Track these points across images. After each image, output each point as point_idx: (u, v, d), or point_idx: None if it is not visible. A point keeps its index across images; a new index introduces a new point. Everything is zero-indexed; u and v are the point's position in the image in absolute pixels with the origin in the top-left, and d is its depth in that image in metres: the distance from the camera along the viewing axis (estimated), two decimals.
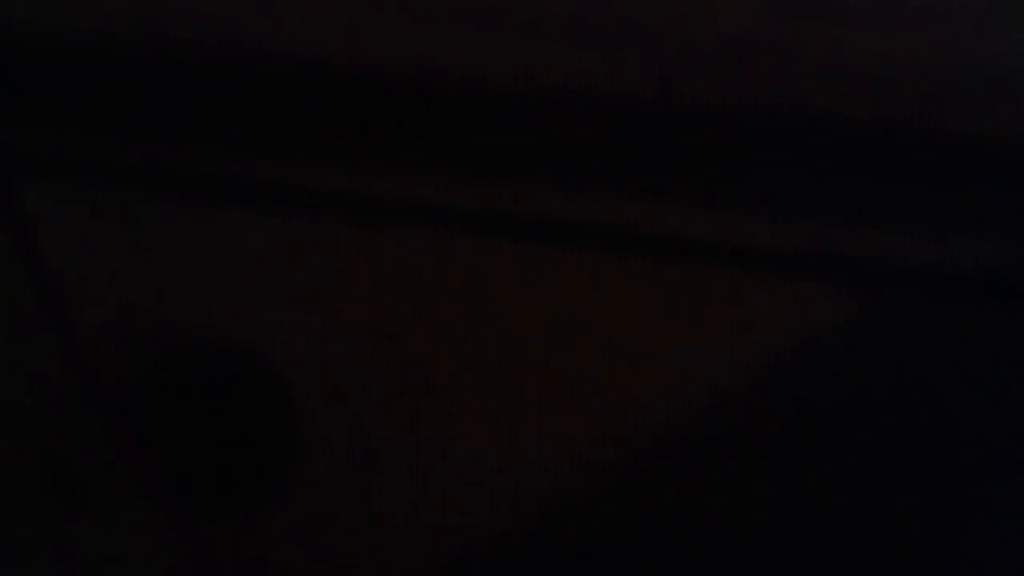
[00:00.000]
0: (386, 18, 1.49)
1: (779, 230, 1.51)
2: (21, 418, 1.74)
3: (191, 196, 1.65)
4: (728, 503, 1.59)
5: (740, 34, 1.42)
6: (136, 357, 1.69)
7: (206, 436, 1.70)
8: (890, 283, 1.51)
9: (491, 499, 1.64)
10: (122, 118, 1.63)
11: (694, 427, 1.57)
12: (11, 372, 1.72)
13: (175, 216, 1.66)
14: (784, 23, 1.42)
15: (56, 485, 1.73)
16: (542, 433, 1.62)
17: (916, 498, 1.55)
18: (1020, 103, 1.41)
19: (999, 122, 1.42)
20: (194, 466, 1.70)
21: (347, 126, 1.56)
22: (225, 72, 1.55)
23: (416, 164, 1.57)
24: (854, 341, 1.52)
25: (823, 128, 1.45)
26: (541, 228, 1.57)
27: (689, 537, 1.61)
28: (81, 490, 1.72)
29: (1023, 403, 1.50)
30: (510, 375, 1.61)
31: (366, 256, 1.62)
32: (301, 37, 1.50)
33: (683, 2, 1.43)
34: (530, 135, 1.51)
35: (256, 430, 1.70)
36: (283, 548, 1.70)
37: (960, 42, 1.41)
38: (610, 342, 1.58)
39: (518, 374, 1.60)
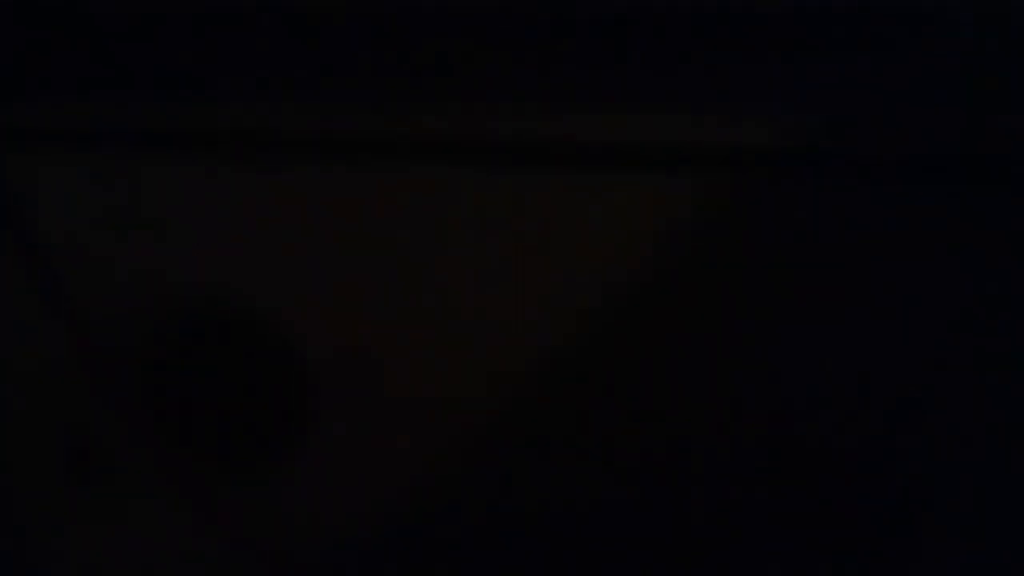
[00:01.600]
0: None
1: (612, 124, 1.55)
2: (38, 396, 1.74)
3: (189, 153, 1.65)
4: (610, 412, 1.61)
5: None
6: (143, 322, 1.69)
7: (218, 400, 1.70)
8: (723, 165, 1.55)
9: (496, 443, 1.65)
10: (115, 79, 1.64)
11: (568, 327, 1.60)
12: (25, 352, 1.73)
13: (173, 175, 1.66)
14: None
15: (75, 461, 1.73)
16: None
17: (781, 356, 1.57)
18: None
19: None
20: (208, 431, 1.70)
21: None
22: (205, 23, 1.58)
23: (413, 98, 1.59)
24: (700, 224, 1.56)
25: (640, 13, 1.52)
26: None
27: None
28: (100, 465, 1.72)
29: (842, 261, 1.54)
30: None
31: (365, 201, 1.63)
32: None
33: None
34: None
35: (268, 391, 1.69)
36: (299, 509, 1.70)
37: None
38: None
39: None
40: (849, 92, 1.51)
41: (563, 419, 1.62)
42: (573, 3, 1.56)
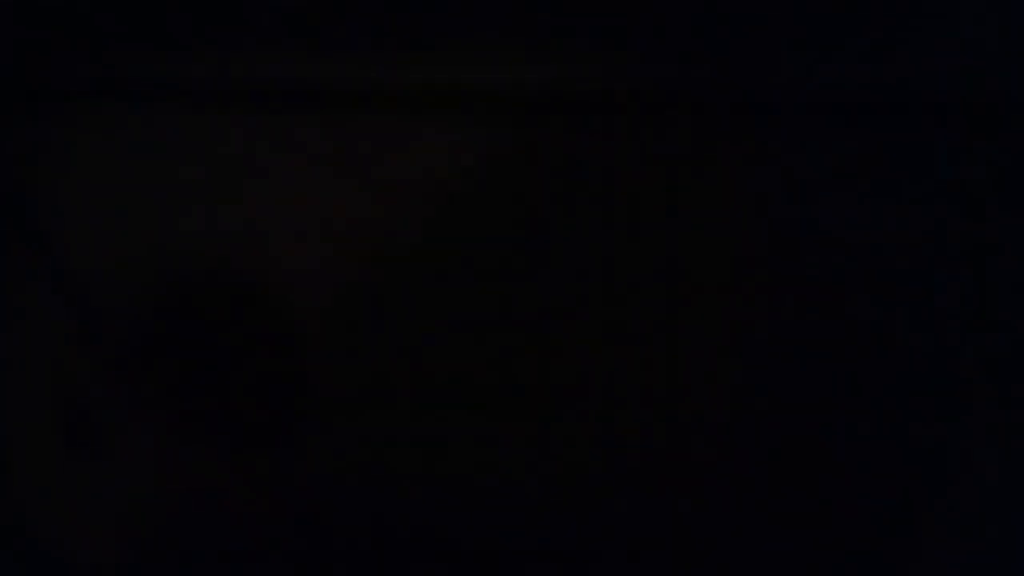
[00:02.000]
0: None
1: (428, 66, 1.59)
2: (39, 366, 1.74)
3: (184, 105, 1.64)
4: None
5: None
6: (143, 286, 1.68)
7: (218, 364, 1.70)
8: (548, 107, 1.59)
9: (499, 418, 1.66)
10: (106, 32, 1.63)
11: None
12: (24, 322, 1.72)
13: (165, 127, 1.66)
14: None
15: (75, 430, 1.72)
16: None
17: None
18: None
19: None
20: (206, 400, 1.70)
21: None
22: None
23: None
24: (524, 162, 1.60)
25: None
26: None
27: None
28: (100, 434, 1.72)
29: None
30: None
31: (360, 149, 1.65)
32: None
33: None
34: None
35: (266, 359, 1.70)
36: (299, 477, 1.70)
37: None
38: None
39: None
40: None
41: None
42: None
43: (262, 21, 1.58)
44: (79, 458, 1.72)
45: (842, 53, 1.53)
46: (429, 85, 1.58)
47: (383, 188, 1.62)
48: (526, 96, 1.57)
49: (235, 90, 1.61)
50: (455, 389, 1.65)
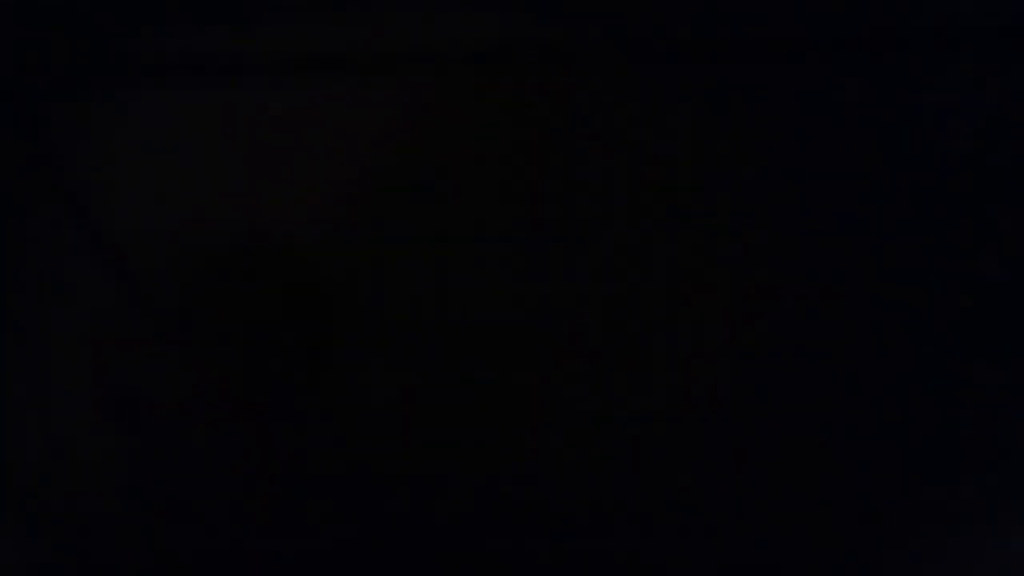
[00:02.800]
0: None
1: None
2: (78, 344, 1.73)
3: (203, 80, 1.64)
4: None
5: None
6: (169, 256, 1.68)
7: (247, 330, 1.69)
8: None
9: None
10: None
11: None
12: (62, 302, 1.71)
13: (183, 103, 1.66)
14: None
15: (115, 406, 1.71)
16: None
17: None
18: None
19: None
20: (238, 360, 1.69)
21: None
22: None
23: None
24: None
25: None
26: None
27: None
28: (139, 410, 1.71)
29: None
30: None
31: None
32: None
33: None
34: None
35: (292, 321, 1.69)
36: (327, 434, 1.70)
37: None
38: None
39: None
40: None
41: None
42: None
43: None
44: (118, 429, 1.72)
45: None
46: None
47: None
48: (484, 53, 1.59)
49: (256, 62, 1.61)
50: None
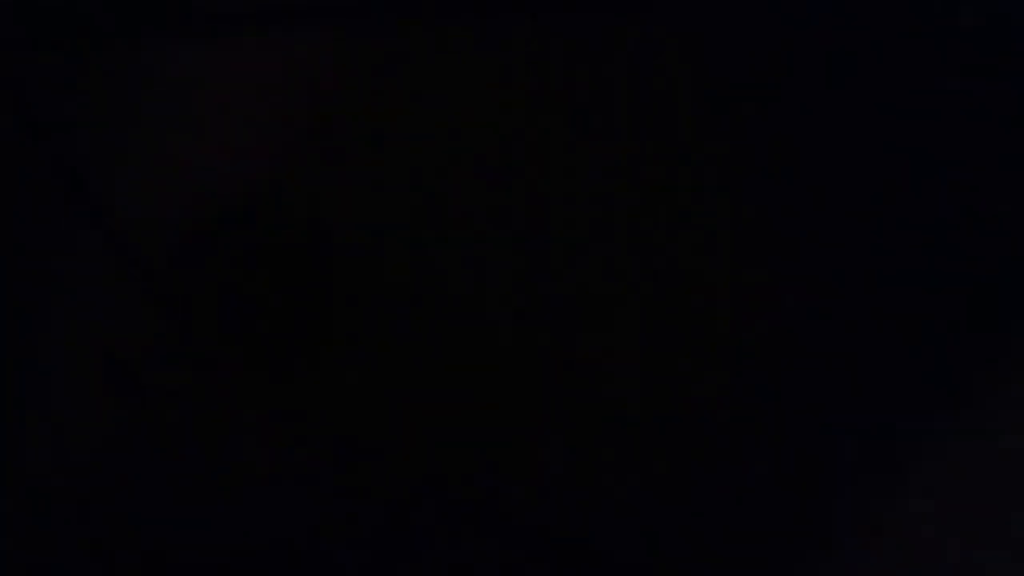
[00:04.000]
0: None
1: None
2: (78, 321, 1.74)
3: (196, 33, 1.63)
4: None
5: None
6: (168, 224, 1.68)
7: (247, 296, 1.69)
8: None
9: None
10: None
11: None
12: (61, 262, 1.72)
13: (181, 59, 1.66)
14: None
15: (117, 383, 1.72)
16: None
17: None
18: None
19: None
20: (238, 329, 1.69)
21: None
22: None
23: None
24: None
25: None
26: None
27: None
28: (141, 385, 1.72)
29: None
30: None
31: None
32: None
33: None
34: None
35: (294, 287, 1.68)
36: (329, 405, 1.70)
37: None
38: None
39: None
40: None
41: None
42: None
43: None
44: (121, 403, 1.73)
45: None
46: None
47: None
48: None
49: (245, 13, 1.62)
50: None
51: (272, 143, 1.66)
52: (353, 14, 1.62)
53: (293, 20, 1.63)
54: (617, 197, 1.61)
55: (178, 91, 1.66)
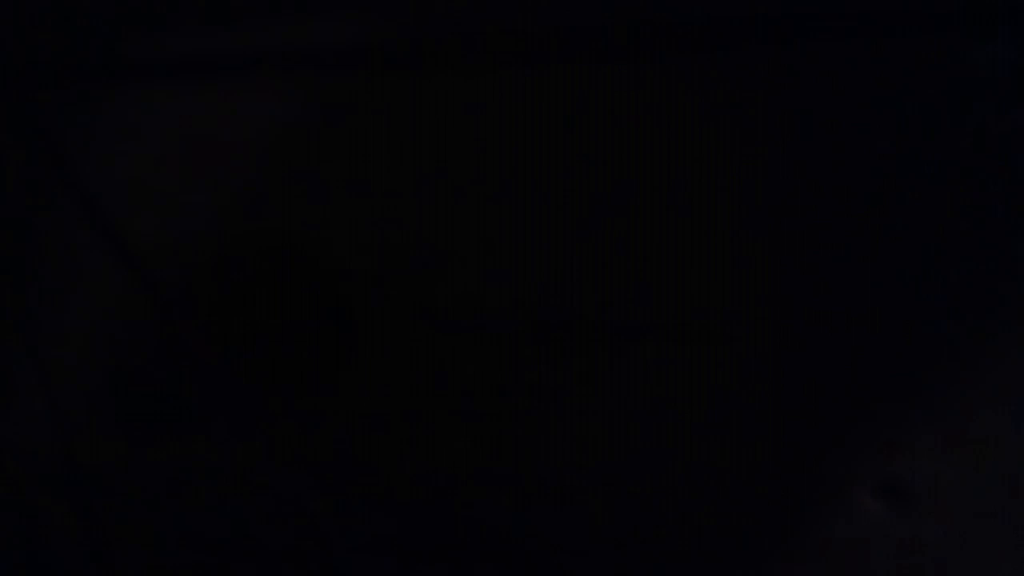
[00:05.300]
0: None
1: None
2: (98, 348, 1.74)
3: (217, 76, 1.65)
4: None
5: None
6: (196, 255, 1.68)
7: (266, 330, 1.69)
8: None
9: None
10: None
11: None
12: (86, 307, 1.72)
13: (204, 101, 1.66)
14: None
15: (136, 408, 1.72)
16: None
17: None
18: None
19: None
20: (255, 362, 1.69)
21: None
22: None
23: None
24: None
25: None
26: None
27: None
28: (161, 412, 1.72)
29: None
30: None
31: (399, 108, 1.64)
32: None
33: None
34: None
35: (312, 320, 1.68)
36: (348, 432, 1.70)
37: None
38: None
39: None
40: None
41: None
42: None
43: None
44: (139, 425, 1.73)
45: None
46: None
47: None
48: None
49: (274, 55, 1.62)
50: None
51: (281, 175, 1.67)
52: (352, 60, 1.63)
53: (297, 64, 1.64)
54: (619, 214, 1.62)
55: (186, 128, 1.66)
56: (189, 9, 1.65)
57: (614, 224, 1.63)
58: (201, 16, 1.64)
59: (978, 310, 1.55)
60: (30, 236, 1.70)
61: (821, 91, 1.56)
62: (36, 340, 1.73)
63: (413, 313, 1.67)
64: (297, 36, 1.65)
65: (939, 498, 1.56)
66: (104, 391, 1.73)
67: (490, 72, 1.59)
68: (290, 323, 1.70)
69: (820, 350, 1.59)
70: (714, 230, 1.61)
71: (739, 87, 1.57)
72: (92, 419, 1.75)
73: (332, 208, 1.67)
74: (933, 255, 1.56)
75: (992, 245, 1.54)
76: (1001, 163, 1.52)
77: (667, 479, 1.65)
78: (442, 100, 1.64)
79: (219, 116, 1.68)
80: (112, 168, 1.70)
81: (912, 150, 1.55)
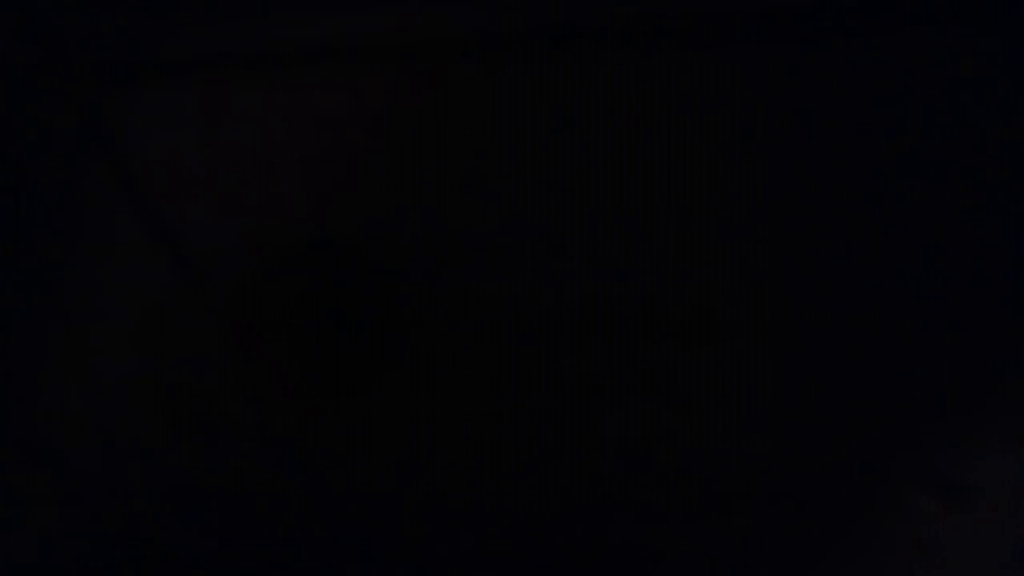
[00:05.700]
0: None
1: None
2: (146, 355, 1.75)
3: (271, 73, 1.65)
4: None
5: None
6: (242, 253, 1.69)
7: (315, 330, 1.70)
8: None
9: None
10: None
11: None
12: (137, 314, 1.73)
13: (255, 101, 1.67)
14: None
15: (181, 417, 1.73)
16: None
17: None
18: None
19: None
20: (307, 361, 1.70)
21: None
22: None
23: None
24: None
25: None
26: None
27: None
28: (206, 421, 1.72)
29: None
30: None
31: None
32: None
33: None
34: None
35: (362, 320, 1.69)
36: (395, 432, 1.70)
37: None
38: None
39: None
40: None
41: None
42: None
43: None
44: (184, 432, 1.74)
45: None
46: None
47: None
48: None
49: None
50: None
51: (339, 177, 1.67)
52: (402, 55, 1.62)
53: (359, 60, 1.64)
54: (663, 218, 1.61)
55: (246, 126, 1.67)
56: (254, 5, 1.65)
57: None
58: (261, 13, 1.65)
59: None
60: (82, 230, 1.71)
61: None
62: (83, 332, 1.74)
63: (464, 314, 1.67)
64: (357, 31, 1.65)
65: (1000, 497, 1.56)
66: (149, 387, 1.74)
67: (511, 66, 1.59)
68: (339, 323, 1.71)
69: (880, 352, 1.59)
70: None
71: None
72: (137, 418, 1.76)
73: (387, 206, 1.67)
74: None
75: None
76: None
77: (730, 481, 1.66)
78: (490, 99, 1.64)
79: (281, 113, 1.68)
80: (167, 164, 1.70)
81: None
